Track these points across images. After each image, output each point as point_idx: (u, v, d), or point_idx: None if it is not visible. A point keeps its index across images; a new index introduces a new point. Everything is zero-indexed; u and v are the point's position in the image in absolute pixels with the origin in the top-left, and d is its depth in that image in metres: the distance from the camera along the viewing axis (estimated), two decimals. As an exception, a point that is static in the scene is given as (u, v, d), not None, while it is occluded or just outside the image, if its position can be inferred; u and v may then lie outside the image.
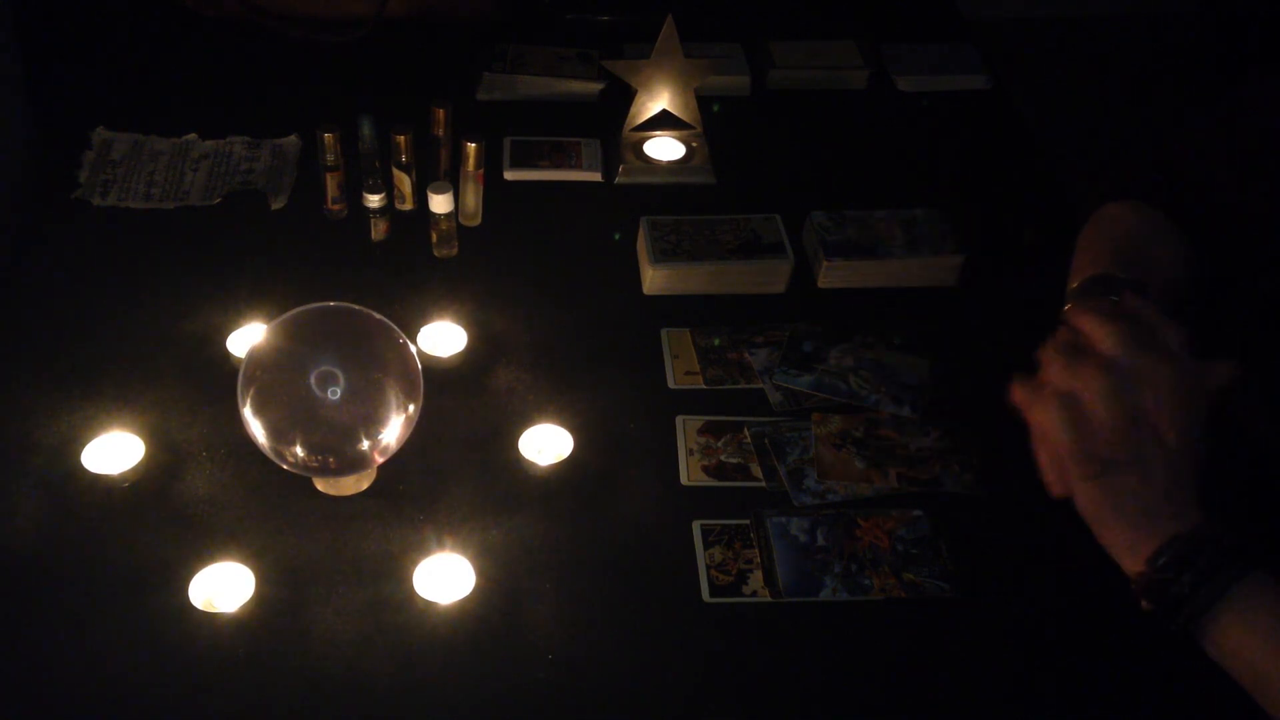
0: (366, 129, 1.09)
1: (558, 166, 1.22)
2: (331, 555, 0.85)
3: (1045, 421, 0.76)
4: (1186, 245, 0.94)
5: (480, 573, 0.83)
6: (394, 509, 0.89)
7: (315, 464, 0.85)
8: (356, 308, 0.86)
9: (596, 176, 1.22)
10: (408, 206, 1.14)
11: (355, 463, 0.86)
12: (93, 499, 0.88)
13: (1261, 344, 1.05)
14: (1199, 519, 0.75)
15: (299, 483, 0.89)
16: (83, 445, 0.89)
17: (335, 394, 0.83)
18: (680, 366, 1.02)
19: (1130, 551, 0.75)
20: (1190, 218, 0.95)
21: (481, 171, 1.11)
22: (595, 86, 1.33)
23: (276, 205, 1.15)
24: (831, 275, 1.10)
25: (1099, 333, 0.76)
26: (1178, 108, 2.57)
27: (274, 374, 0.84)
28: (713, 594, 0.84)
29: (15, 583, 0.82)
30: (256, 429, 0.84)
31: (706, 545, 0.87)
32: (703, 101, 1.23)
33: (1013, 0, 2.83)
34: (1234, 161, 0.95)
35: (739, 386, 1.00)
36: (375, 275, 1.08)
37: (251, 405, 0.83)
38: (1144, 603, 0.75)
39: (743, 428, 0.96)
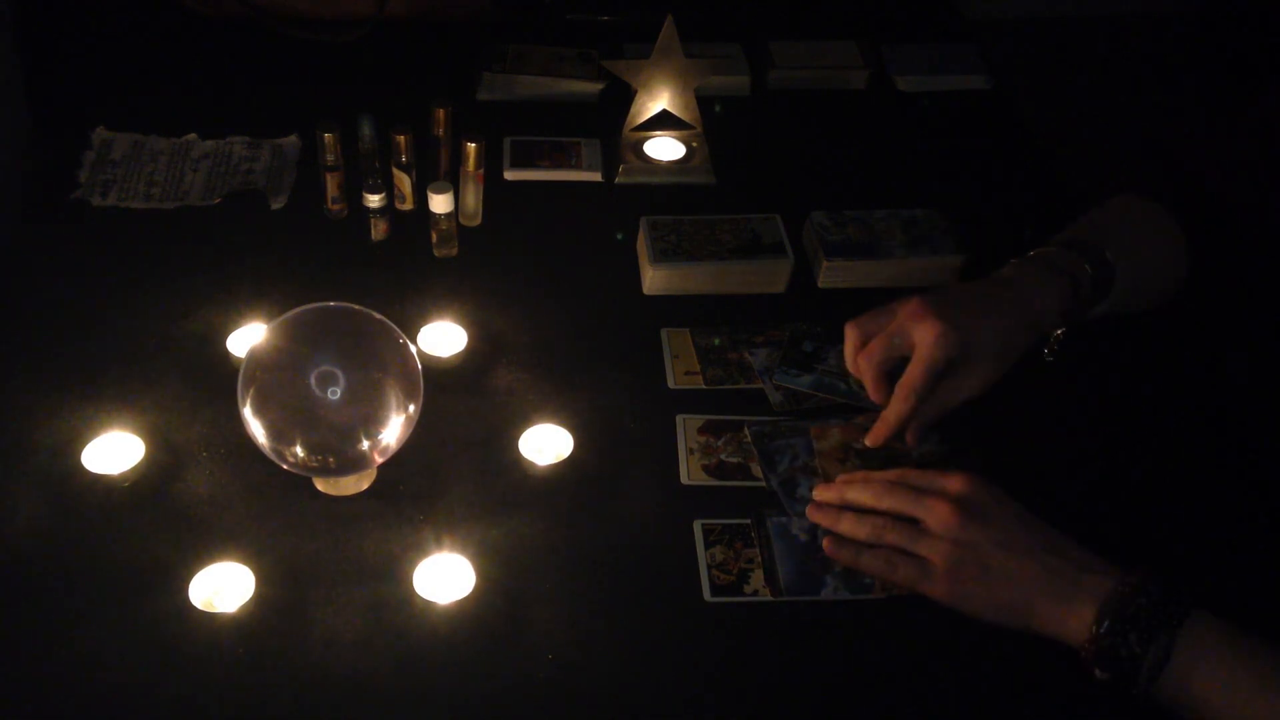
0: (366, 129, 1.09)
1: (558, 166, 1.22)
2: (331, 555, 0.85)
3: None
4: (1178, 242, 0.95)
5: (480, 573, 0.83)
6: (394, 509, 0.89)
7: (315, 464, 0.85)
8: (356, 308, 0.86)
9: (596, 176, 1.22)
10: (408, 206, 1.14)
11: (355, 463, 0.86)
12: (93, 499, 0.88)
13: (1261, 343, 1.05)
14: (1119, 573, 0.77)
15: (299, 483, 0.89)
16: (83, 445, 0.89)
17: (335, 394, 0.83)
18: (680, 366, 1.02)
19: (1064, 625, 0.77)
20: (1194, 218, 0.95)
21: (481, 171, 1.11)
22: (595, 86, 1.33)
23: (276, 205, 1.15)
24: (831, 275, 1.10)
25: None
26: (1189, 110, 2.57)
27: (274, 374, 0.84)
28: (713, 593, 0.84)
29: (15, 583, 0.82)
30: (256, 429, 0.84)
31: (707, 545, 0.87)
32: (703, 101, 1.23)
33: (1013, 0, 2.83)
34: (1249, 170, 0.96)
35: (739, 386, 1.00)
36: (375, 275, 1.08)
37: (251, 405, 0.83)
38: (1097, 672, 0.75)
39: (743, 427, 0.96)
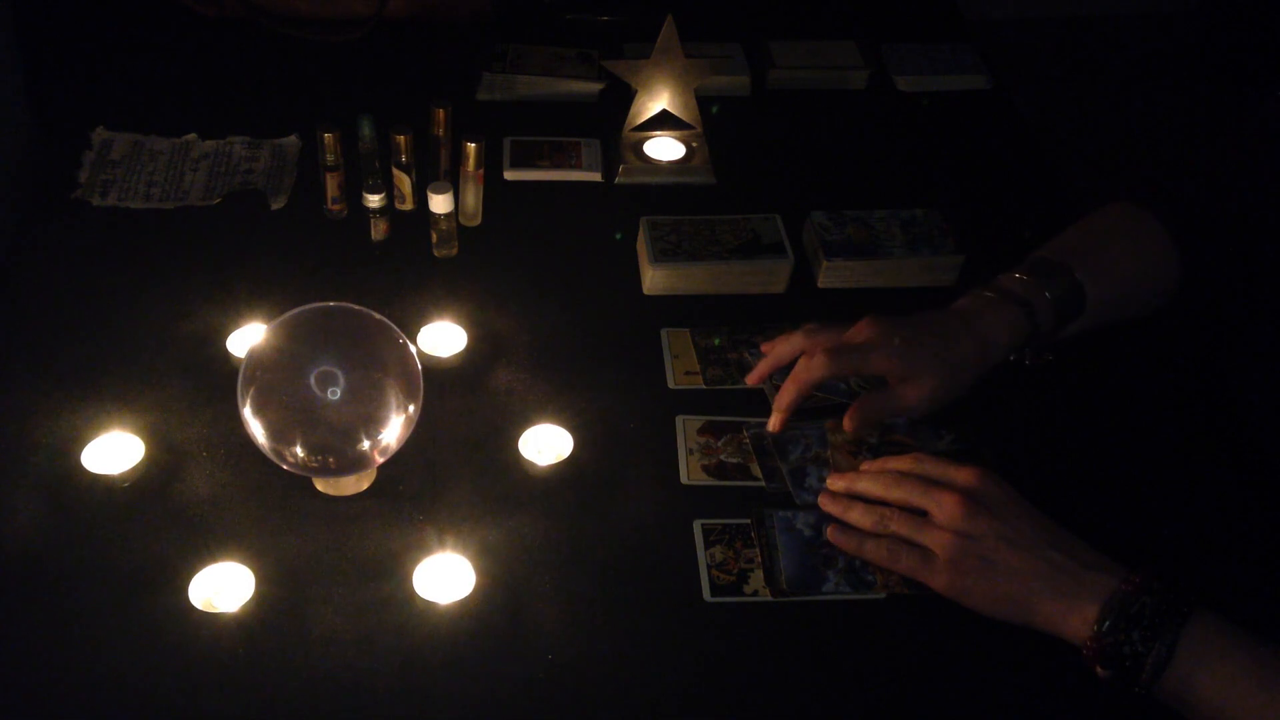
0: (366, 129, 1.09)
1: (558, 166, 1.22)
2: (331, 555, 0.85)
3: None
4: (1167, 252, 0.94)
5: (480, 573, 0.83)
6: (394, 509, 0.89)
7: (315, 464, 0.85)
8: (356, 308, 0.86)
9: (596, 176, 1.22)
10: (408, 206, 1.14)
11: (355, 463, 0.86)
12: (93, 499, 0.88)
13: (1262, 349, 1.05)
14: (1123, 571, 0.77)
15: (299, 483, 0.89)
16: (83, 445, 0.89)
17: (335, 394, 0.83)
18: (680, 366, 1.02)
19: (1067, 622, 0.77)
20: (1186, 225, 0.95)
21: (481, 171, 1.11)
22: (595, 86, 1.33)
23: (276, 205, 1.15)
24: (831, 275, 1.10)
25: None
26: (1189, 110, 2.57)
27: (274, 374, 0.84)
28: (713, 593, 0.84)
29: (15, 583, 0.82)
30: (256, 429, 0.84)
31: (707, 545, 0.87)
32: (702, 102, 1.23)
33: (1013, 0, 2.84)
34: (1247, 173, 0.96)
35: (739, 386, 1.00)
36: (375, 275, 1.08)
37: (251, 405, 0.83)
38: (1099, 669, 0.75)
39: (742, 428, 0.96)
